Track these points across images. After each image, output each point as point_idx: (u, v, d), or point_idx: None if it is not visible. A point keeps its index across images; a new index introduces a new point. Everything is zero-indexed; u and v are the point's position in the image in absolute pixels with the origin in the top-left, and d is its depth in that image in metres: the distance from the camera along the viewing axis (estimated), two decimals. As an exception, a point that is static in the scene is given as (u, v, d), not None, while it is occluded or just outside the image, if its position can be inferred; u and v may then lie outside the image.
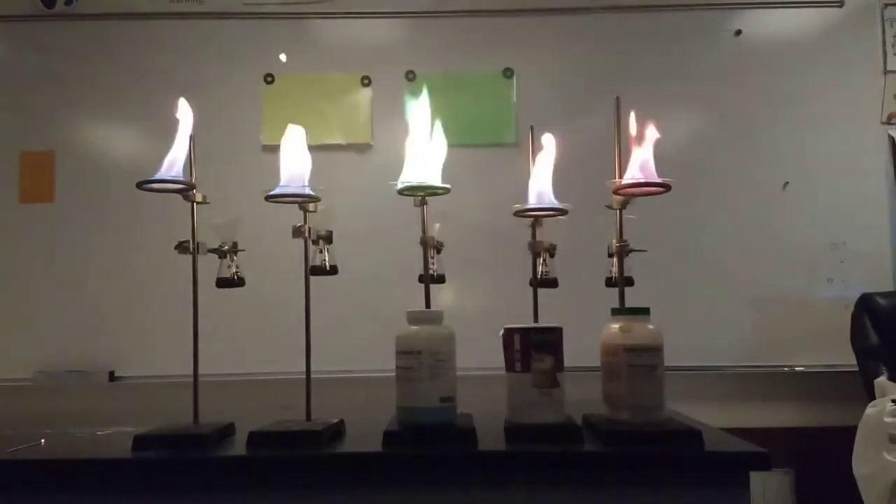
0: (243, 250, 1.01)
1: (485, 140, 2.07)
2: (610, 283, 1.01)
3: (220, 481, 0.87)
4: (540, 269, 1.07)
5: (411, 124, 0.96)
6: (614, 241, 0.99)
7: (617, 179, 0.97)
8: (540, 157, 1.03)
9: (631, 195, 0.97)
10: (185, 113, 0.98)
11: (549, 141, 1.04)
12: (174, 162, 0.94)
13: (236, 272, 1.00)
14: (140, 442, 0.89)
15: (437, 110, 0.98)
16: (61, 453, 0.93)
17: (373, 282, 1.96)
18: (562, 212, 1.03)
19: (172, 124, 0.98)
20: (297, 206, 0.98)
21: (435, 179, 0.95)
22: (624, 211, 0.98)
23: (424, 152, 0.95)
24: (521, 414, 0.92)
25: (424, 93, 0.98)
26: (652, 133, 0.96)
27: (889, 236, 2.06)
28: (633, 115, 0.98)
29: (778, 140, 2.08)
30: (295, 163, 0.96)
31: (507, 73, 2.10)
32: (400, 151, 0.97)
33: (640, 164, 0.95)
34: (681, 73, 2.10)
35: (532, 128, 1.08)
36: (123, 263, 2.05)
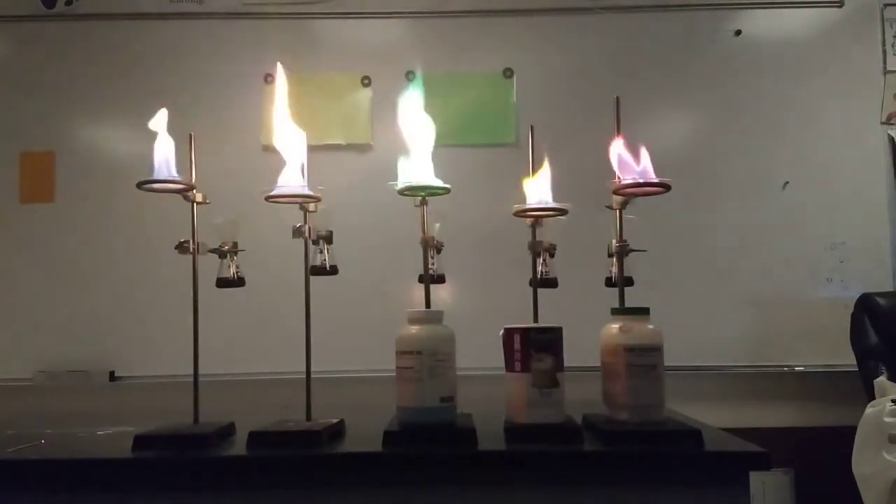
0: (243, 250, 1.01)
1: (485, 140, 2.07)
2: (610, 283, 1.01)
3: (220, 481, 0.87)
4: (540, 269, 1.07)
5: (403, 120, 0.96)
6: (614, 241, 0.99)
7: (617, 179, 0.97)
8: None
9: (631, 195, 0.97)
10: (160, 119, 0.97)
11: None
12: (164, 163, 0.94)
13: (236, 272, 1.00)
14: (140, 442, 0.89)
15: (437, 110, 0.98)
16: (61, 453, 0.93)
17: (373, 282, 1.96)
18: (562, 212, 1.03)
19: (171, 126, 0.98)
20: (297, 206, 0.98)
21: (434, 179, 0.95)
22: (624, 211, 0.99)
23: (419, 150, 0.95)
24: (521, 414, 0.92)
25: (417, 89, 0.97)
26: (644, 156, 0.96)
27: (889, 236, 2.06)
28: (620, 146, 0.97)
29: (778, 140, 2.08)
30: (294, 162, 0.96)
31: (507, 73, 2.10)
32: (399, 152, 0.97)
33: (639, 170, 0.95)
34: (681, 73, 2.10)
35: (532, 128, 1.08)
36: (124, 263, 2.05)
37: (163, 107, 0.98)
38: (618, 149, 0.97)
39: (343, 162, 2.07)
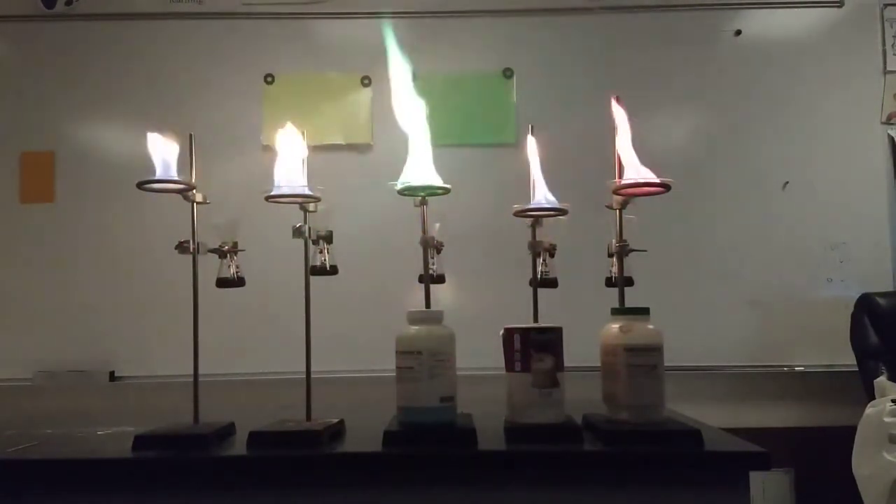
0: (243, 250, 1.01)
1: (485, 140, 2.07)
2: (610, 283, 1.01)
3: (220, 481, 0.87)
4: (540, 269, 1.07)
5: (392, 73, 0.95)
6: (614, 241, 0.99)
7: (617, 179, 0.97)
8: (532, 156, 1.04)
9: (631, 195, 0.97)
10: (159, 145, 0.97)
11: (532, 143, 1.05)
12: (167, 164, 0.94)
13: (236, 272, 1.00)
14: (140, 442, 0.89)
15: (437, 110, 0.99)
16: (61, 453, 0.93)
17: (373, 282, 1.96)
18: (562, 212, 1.03)
19: (171, 126, 0.98)
20: (297, 206, 0.98)
21: (435, 179, 0.95)
22: (624, 211, 0.99)
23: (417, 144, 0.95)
24: (521, 414, 0.92)
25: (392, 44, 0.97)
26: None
27: (889, 236, 2.06)
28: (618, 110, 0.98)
29: (778, 140, 2.08)
30: (292, 160, 0.96)
31: (507, 73, 2.10)
32: (400, 151, 0.97)
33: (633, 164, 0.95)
34: (681, 73, 2.10)
35: (532, 128, 1.08)
36: (124, 263, 2.05)
37: (161, 104, 0.98)
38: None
39: (343, 162, 2.07)
